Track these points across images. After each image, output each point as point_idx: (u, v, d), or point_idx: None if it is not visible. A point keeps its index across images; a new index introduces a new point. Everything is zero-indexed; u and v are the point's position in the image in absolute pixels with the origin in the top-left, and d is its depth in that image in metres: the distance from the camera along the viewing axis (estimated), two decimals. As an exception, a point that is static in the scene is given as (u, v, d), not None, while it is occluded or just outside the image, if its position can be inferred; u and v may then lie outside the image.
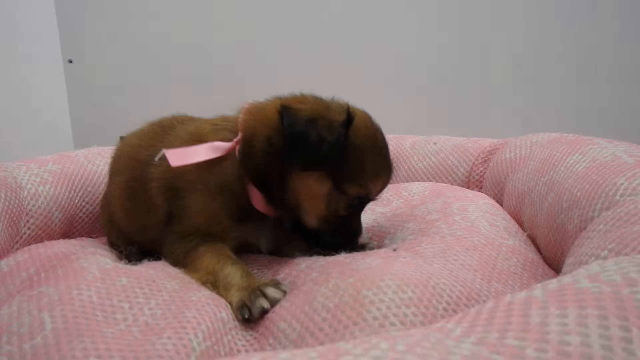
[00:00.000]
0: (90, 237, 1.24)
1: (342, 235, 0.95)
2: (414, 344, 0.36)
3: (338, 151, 0.86)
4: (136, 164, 1.04)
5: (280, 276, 0.87)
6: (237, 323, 0.73)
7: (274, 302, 0.74)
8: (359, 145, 0.89)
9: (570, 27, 2.28)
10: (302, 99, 0.94)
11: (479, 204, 1.10)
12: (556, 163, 1.03)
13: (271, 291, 0.75)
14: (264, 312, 0.73)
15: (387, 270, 0.73)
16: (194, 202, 0.94)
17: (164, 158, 0.90)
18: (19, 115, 1.96)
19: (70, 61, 2.30)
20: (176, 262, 0.90)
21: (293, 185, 0.90)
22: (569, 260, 0.71)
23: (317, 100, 0.93)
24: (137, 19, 2.35)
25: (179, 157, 0.90)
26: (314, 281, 0.76)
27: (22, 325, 0.61)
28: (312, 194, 0.90)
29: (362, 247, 0.99)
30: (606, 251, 0.60)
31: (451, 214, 1.03)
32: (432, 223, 1.00)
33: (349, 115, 0.89)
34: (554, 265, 0.92)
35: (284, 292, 0.77)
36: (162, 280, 0.77)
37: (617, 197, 0.75)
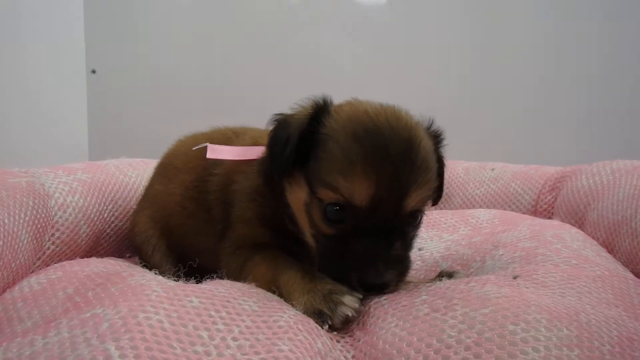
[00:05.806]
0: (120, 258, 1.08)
1: (346, 265, 0.70)
2: None
3: (307, 148, 0.74)
4: (206, 164, 0.96)
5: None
6: (334, 354, 0.59)
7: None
8: (331, 135, 0.72)
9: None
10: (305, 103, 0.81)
11: (572, 232, 0.98)
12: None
13: (348, 300, 0.66)
14: (347, 321, 0.65)
15: (525, 300, 0.59)
16: (235, 214, 0.88)
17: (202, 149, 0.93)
18: (37, 123, 1.89)
19: (94, 71, 2.21)
20: (234, 277, 0.78)
21: (287, 197, 0.80)
22: None
23: (316, 102, 0.79)
24: (163, 33, 2.29)
25: (216, 151, 0.91)
26: (430, 307, 0.62)
27: (80, 357, 0.46)
28: (296, 203, 0.78)
29: (450, 276, 0.85)
30: None
31: (548, 243, 0.90)
32: (532, 251, 0.86)
33: (318, 108, 0.76)
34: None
35: (360, 299, 0.68)
36: (238, 300, 0.63)
37: None
